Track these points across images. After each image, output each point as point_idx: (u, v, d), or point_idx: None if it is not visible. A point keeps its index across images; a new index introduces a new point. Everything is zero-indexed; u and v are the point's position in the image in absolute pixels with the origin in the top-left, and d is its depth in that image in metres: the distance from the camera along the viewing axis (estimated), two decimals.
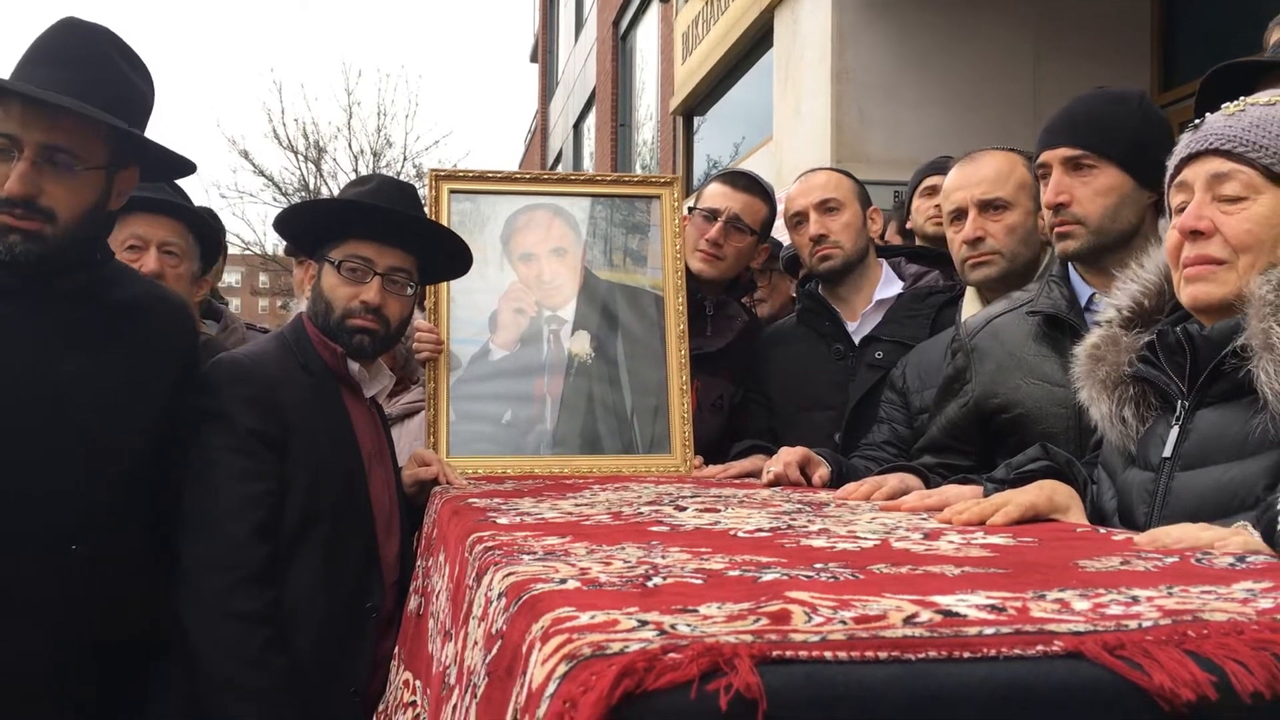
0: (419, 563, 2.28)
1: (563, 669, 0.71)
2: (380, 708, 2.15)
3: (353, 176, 25.48)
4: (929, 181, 3.97)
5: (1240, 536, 1.28)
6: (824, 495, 2.16)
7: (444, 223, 2.86)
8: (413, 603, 2.20)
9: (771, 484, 2.39)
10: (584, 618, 0.82)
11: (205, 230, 2.74)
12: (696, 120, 13.35)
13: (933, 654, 0.73)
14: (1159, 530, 1.37)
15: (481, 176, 3.02)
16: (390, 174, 26.08)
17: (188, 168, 2.19)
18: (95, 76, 1.94)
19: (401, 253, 2.39)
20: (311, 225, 2.48)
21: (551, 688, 0.70)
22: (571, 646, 0.73)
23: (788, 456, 2.45)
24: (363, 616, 2.27)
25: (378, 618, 2.29)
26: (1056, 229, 2.20)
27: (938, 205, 3.86)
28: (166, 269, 2.61)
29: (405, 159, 25.73)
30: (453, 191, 2.95)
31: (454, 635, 1.43)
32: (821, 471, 2.44)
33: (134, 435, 2.05)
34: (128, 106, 1.98)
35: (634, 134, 17.47)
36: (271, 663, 2.05)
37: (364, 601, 2.27)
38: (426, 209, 2.90)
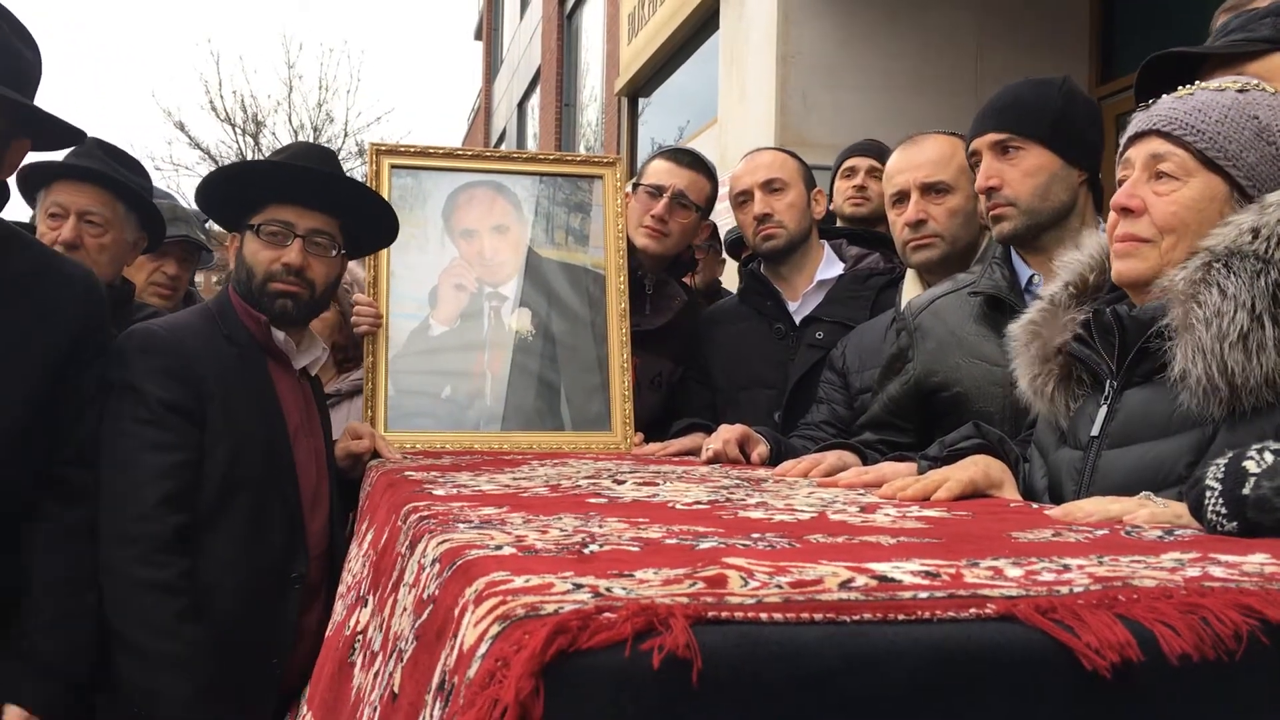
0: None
1: (495, 629, 0.70)
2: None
3: None
4: (850, 163, 4.01)
5: (1147, 509, 1.32)
6: (762, 472, 2.17)
7: (384, 197, 2.82)
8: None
9: (710, 461, 2.40)
10: (519, 581, 0.81)
11: (141, 202, 2.68)
12: (641, 102, 13.31)
13: (867, 616, 0.73)
14: (1072, 504, 1.40)
15: (424, 152, 2.98)
16: (332, 149, 25.60)
17: (79, 137, 2.19)
18: None
19: (323, 215, 2.37)
20: (231, 195, 2.42)
21: (484, 648, 0.69)
22: (505, 608, 0.72)
23: (727, 434, 2.45)
24: (286, 586, 2.25)
25: (302, 588, 2.27)
26: (991, 212, 2.24)
27: (856, 186, 3.91)
28: (86, 238, 2.55)
29: (346, 135, 25.34)
30: (394, 166, 2.91)
31: (370, 601, 1.42)
32: (760, 449, 2.45)
33: (8, 400, 1.99)
34: (18, 77, 1.94)
35: (579, 114, 17.38)
36: (183, 631, 2.03)
37: (288, 572, 2.26)
38: (367, 183, 2.86)
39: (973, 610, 0.76)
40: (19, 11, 2.02)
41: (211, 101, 24.60)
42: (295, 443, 2.34)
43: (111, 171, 2.66)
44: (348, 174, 2.66)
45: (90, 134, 2.39)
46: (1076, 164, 2.20)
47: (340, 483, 2.51)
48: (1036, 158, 2.20)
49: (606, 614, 0.68)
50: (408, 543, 1.25)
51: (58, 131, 2.09)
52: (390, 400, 2.78)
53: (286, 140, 25.01)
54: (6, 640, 1.99)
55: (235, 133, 25.02)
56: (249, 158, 25.01)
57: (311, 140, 24.95)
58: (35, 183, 2.55)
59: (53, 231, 2.54)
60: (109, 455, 2.11)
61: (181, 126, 24.92)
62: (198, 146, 24.88)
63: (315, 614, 2.32)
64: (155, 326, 2.32)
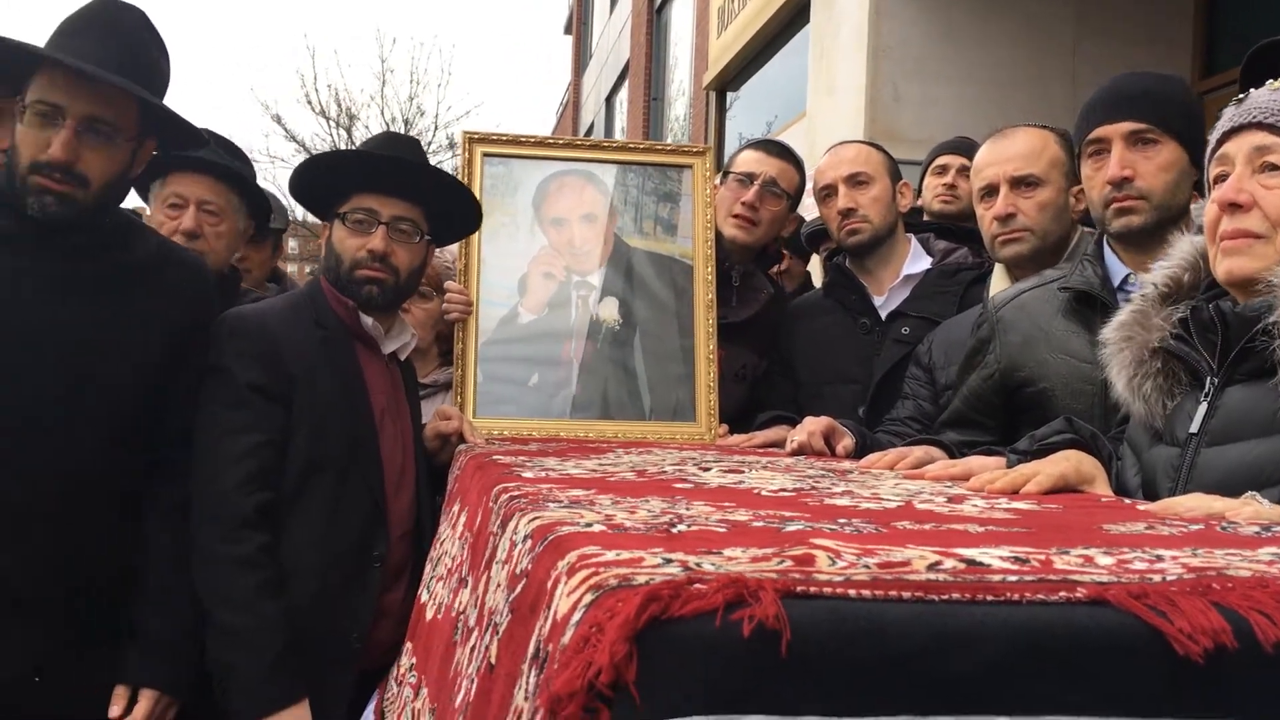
0: (442, 519, 2.31)
1: (589, 598, 0.72)
2: (399, 658, 2.18)
3: None
4: (941, 160, 3.98)
5: (1251, 506, 1.29)
6: (847, 464, 2.17)
7: (475, 185, 2.87)
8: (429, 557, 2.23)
9: (795, 453, 2.39)
10: (610, 555, 0.83)
11: (251, 191, 2.78)
12: (729, 96, 13.28)
13: (955, 596, 0.74)
14: (1172, 500, 1.37)
15: (515, 140, 3.02)
16: (422, 143, 25.95)
17: (200, 140, 2.31)
18: (130, 53, 2.03)
19: (406, 203, 2.41)
20: (320, 185, 2.49)
21: (577, 615, 0.71)
22: (598, 578, 0.74)
23: (812, 426, 2.45)
24: (367, 565, 2.30)
25: (383, 567, 2.32)
26: (1117, 204, 2.15)
27: (946, 184, 3.87)
28: (205, 227, 2.67)
29: (437, 128, 25.70)
30: (486, 155, 2.95)
31: (470, 581, 1.45)
32: (846, 442, 2.44)
33: (125, 384, 2.10)
34: (153, 81, 2.07)
35: (666, 109, 17.40)
36: (261, 605, 2.09)
37: (369, 551, 2.30)
38: (459, 171, 2.91)
39: (1063, 594, 0.76)
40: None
41: (307, 95, 25.15)
42: (381, 425, 2.39)
43: (225, 162, 2.75)
44: (434, 164, 2.71)
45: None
46: (1196, 163, 2.14)
47: (429, 466, 2.56)
48: (1171, 152, 2.13)
49: (698, 585, 0.70)
50: (499, 521, 1.28)
51: (182, 132, 2.20)
52: (479, 387, 2.82)
53: (379, 132, 25.43)
54: (126, 621, 2.09)
55: (329, 125, 25.55)
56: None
57: (403, 132, 25.38)
58: (150, 173, 2.65)
59: (172, 221, 2.65)
60: (199, 435, 2.20)
61: (278, 119, 25.55)
62: (293, 139, 25.46)
63: (398, 593, 2.37)
64: (246, 311, 2.40)
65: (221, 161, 2.74)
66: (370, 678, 2.26)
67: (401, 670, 1.74)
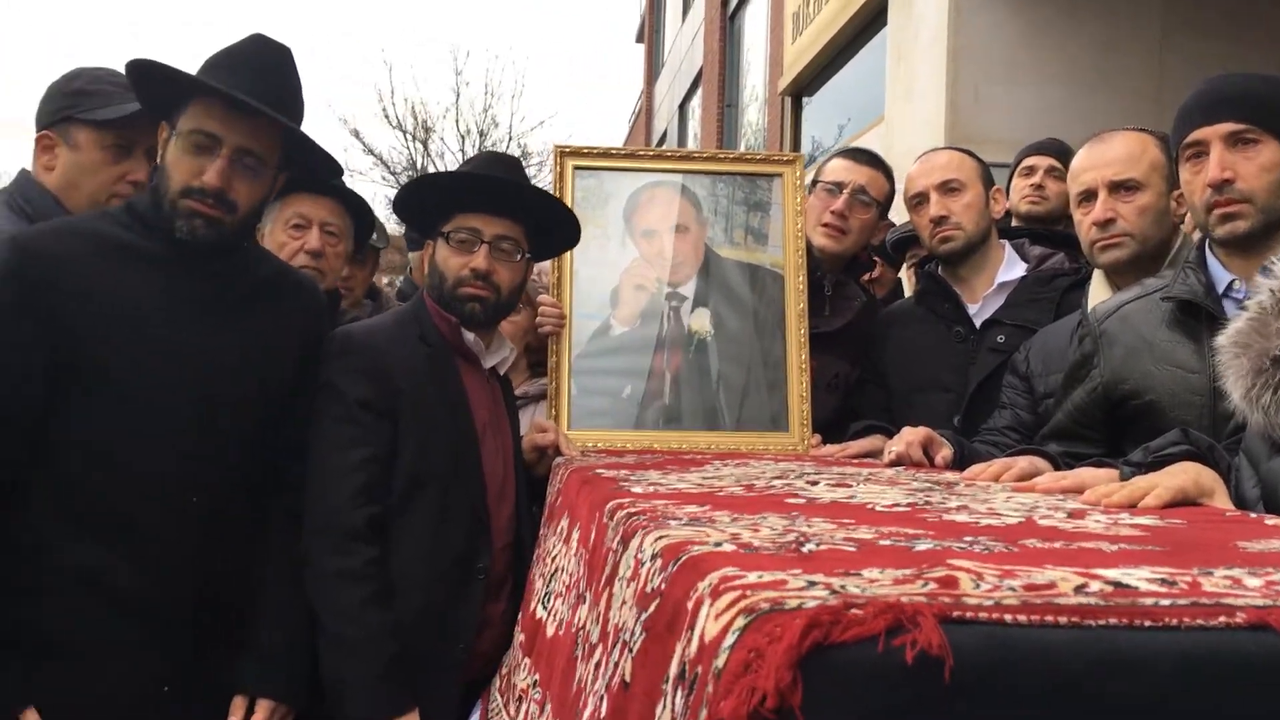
0: (542, 530, 2.33)
1: (741, 621, 0.73)
2: (503, 670, 2.21)
3: (459, 155, 25.86)
4: (1029, 161, 3.94)
5: None
6: (951, 475, 2.15)
7: (567, 198, 2.90)
8: (534, 569, 2.25)
9: (893, 463, 2.38)
10: (751, 576, 0.84)
11: (360, 211, 2.86)
12: (804, 101, 13.22)
13: (1113, 621, 0.73)
14: None
15: (606, 153, 3.05)
16: (516, 157, 26.08)
17: (339, 170, 2.48)
18: (279, 88, 2.13)
19: (508, 221, 2.45)
20: (424, 204, 2.55)
21: (730, 639, 0.72)
22: (748, 601, 0.75)
23: (910, 436, 2.43)
24: (471, 578, 2.33)
25: (486, 579, 2.35)
26: (1219, 209, 2.09)
27: (1034, 185, 3.83)
28: (326, 247, 2.76)
29: (511, 139, 25.97)
30: (577, 168, 2.98)
31: (588, 598, 1.47)
32: (945, 453, 2.42)
33: (252, 401, 2.17)
34: (295, 113, 2.18)
35: (740, 115, 17.37)
36: (370, 617, 2.13)
37: (473, 563, 2.34)
38: (551, 184, 2.95)
39: (1222, 619, 0.75)
40: (228, 31, 2.21)
41: (384, 109, 25.57)
42: (483, 439, 2.43)
43: (341, 184, 2.85)
44: (531, 180, 2.75)
45: None
46: None
47: (527, 478, 2.59)
48: (1273, 152, 2.07)
49: (855, 610, 0.70)
50: (618, 538, 1.29)
51: (321, 162, 2.32)
52: (573, 399, 2.85)
53: (454, 145, 25.80)
54: (243, 631, 2.14)
55: (406, 139, 25.96)
56: (419, 163, 25.93)
57: (477, 144, 25.70)
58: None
59: (295, 241, 2.74)
60: (311, 451, 2.25)
61: (356, 134, 26.01)
62: (371, 152, 25.91)
63: (500, 604, 2.40)
64: (354, 329, 2.47)
65: (339, 185, 2.83)
66: (473, 688, 2.30)
67: (523, 686, 1.76)
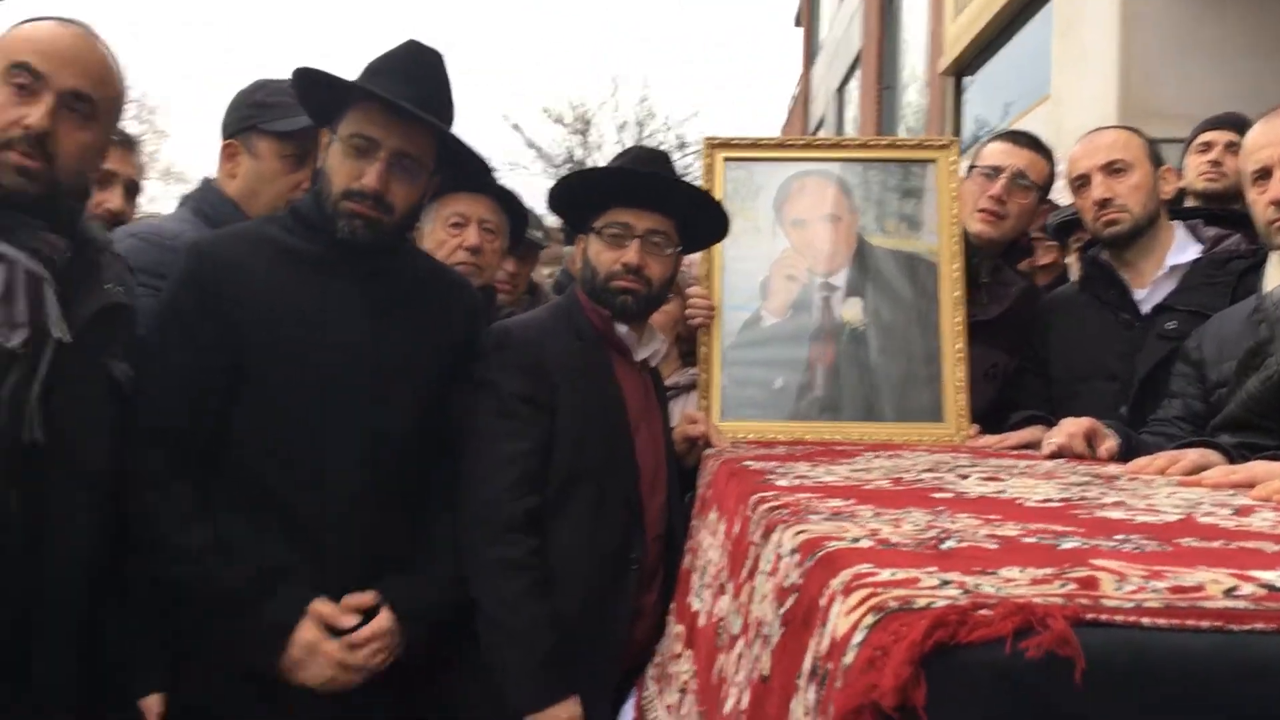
0: (693, 522, 2.35)
1: (870, 619, 0.73)
2: (656, 659, 2.24)
3: (616, 147, 26.13)
4: (1206, 137, 3.76)
5: None
6: (1113, 468, 2.07)
7: (717, 190, 2.91)
8: (686, 560, 2.28)
9: (1053, 455, 2.31)
10: (884, 574, 0.84)
11: (516, 208, 2.95)
12: (966, 80, 12.85)
13: (1259, 626, 0.71)
14: None
15: (755, 144, 3.04)
16: (652, 144, 26.64)
17: (489, 169, 2.53)
18: (433, 93, 2.21)
19: (659, 215, 2.48)
20: (577, 199, 2.59)
21: (858, 636, 0.73)
22: (877, 600, 0.75)
23: (1072, 427, 2.35)
24: (625, 568, 2.36)
25: (640, 570, 2.38)
26: None
27: (1211, 161, 3.63)
28: (484, 244, 2.86)
29: (668, 129, 26.11)
30: (727, 159, 2.99)
31: (730, 589, 1.48)
32: (1109, 444, 2.33)
33: (411, 394, 2.25)
34: (448, 116, 2.25)
35: (899, 97, 17.02)
36: (530, 606, 2.18)
37: (627, 554, 2.37)
38: (700, 177, 2.96)
39: None
40: (394, 35, 2.30)
41: (544, 104, 26.00)
42: (635, 430, 2.47)
43: (497, 182, 2.94)
44: (680, 172, 2.77)
45: None
46: None
47: (678, 469, 2.62)
48: None
49: (983, 610, 0.69)
50: (760, 532, 1.30)
51: (473, 164, 2.39)
52: (723, 390, 2.86)
53: (611, 137, 26.10)
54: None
55: (565, 132, 26.37)
56: (577, 155, 26.32)
57: (635, 135, 25.94)
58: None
59: (454, 238, 2.85)
60: (469, 444, 2.32)
61: (518, 128, 26.56)
62: (531, 146, 26.43)
63: (654, 593, 2.43)
64: (510, 324, 2.53)
65: (496, 182, 2.91)
66: (627, 677, 2.34)
67: (685, 678, 1.78)
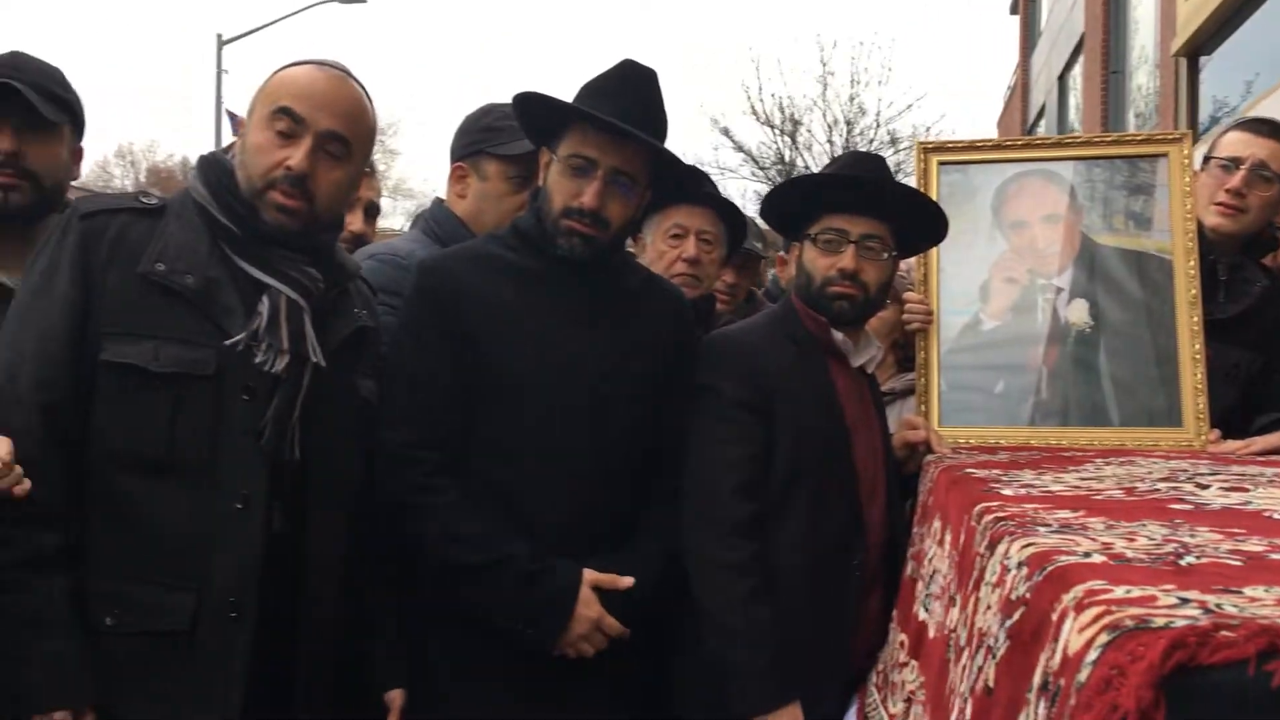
0: (915, 530, 2.33)
1: (1104, 638, 0.73)
2: (879, 666, 2.24)
3: (826, 146, 25.85)
4: None
5: None
6: None
7: (932, 195, 2.87)
8: (909, 567, 2.26)
9: None
10: (1118, 591, 0.83)
11: (734, 218, 2.99)
12: (1201, 60, 12.09)
13: None
14: None
15: (971, 146, 2.98)
16: (863, 142, 26.20)
17: (701, 180, 2.61)
18: (647, 110, 2.28)
19: (874, 220, 2.46)
20: (789, 207, 2.61)
21: (1093, 655, 0.73)
22: (1112, 618, 0.75)
23: None
24: (846, 574, 2.36)
25: (861, 576, 2.38)
26: None
27: None
28: (702, 254, 2.90)
29: (878, 125, 25.63)
30: (941, 163, 2.94)
31: (958, 600, 1.47)
32: None
33: (631, 402, 2.32)
34: (662, 133, 2.32)
35: (1127, 81, 16.16)
36: (754, 609, 2.21)
37: (848, 560, 2.37)
38: (914, 181, 2.92)
39: None
40: (610, 53, 2.39)
41: (752, 106, 26.00)
42: (854, 436, 2.47)
43: (716, 193, 3.00)
44: (893, 169, 2.74)
45: None
46: None
47: (898, 475, 2.60)
48: None
49: (1224, 631, 0.68)
50: (985, 543, 1.29)
51: (685, 177, 2.48)
52: (943, 396, 2.81)
53: (821, 137, 25.89)
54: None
55: (774, 134, 26.28)
56: (786, 157, 26.21)
57: (844, 135, 25.62)
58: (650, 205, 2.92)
59: (673, 250, 2.91)
60: (692, 448, 2.37)
61: (726, 132, 26.60)
62: (740, 149, 26.45)
63: (875, 600, 2.42)
64: (729, 332, 2.59)
65: (714, 194, 2.97)
66: (850, 683, 2.34)
67: (912, 687, 1.78)
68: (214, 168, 2.08)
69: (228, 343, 1.95)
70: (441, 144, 2.86)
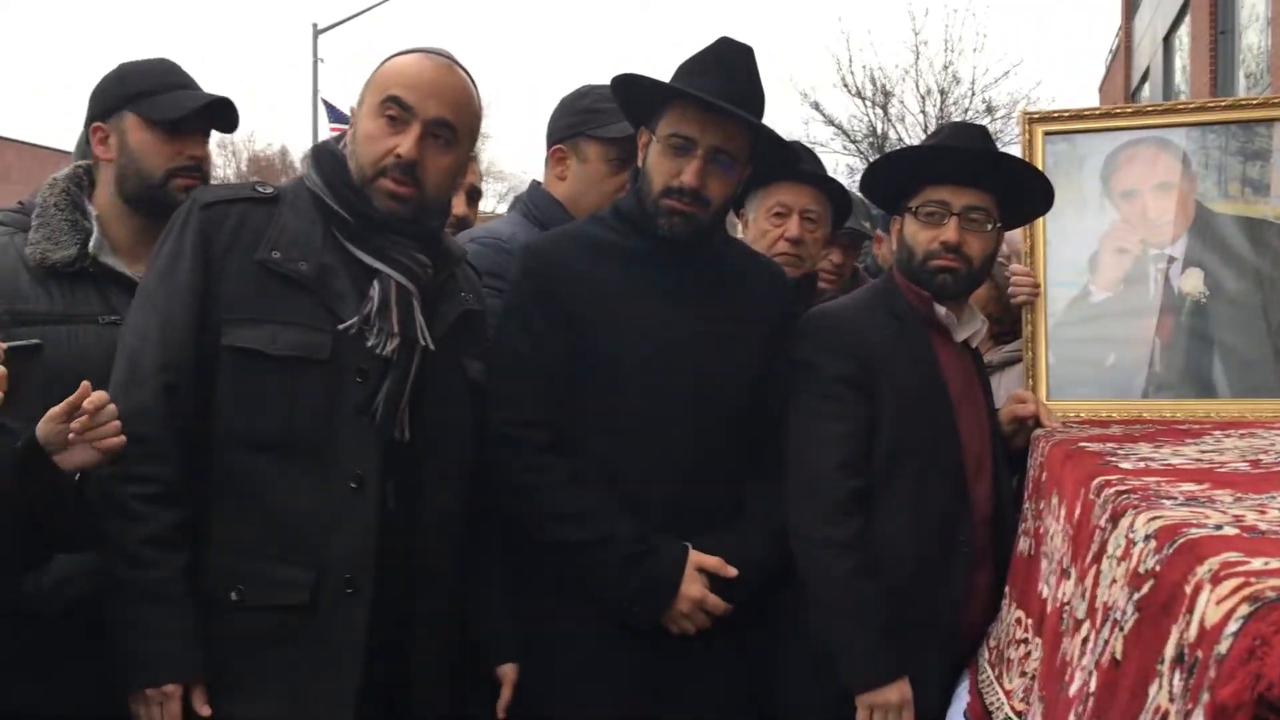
0: (1026, 505, 2.31)
1: (1245, 609, 0.73)
2: (991, 643, 2.22)
3: (920, 117, 25.40)
4: None
5: None
6: None
7: (1037, 165, 2.81)
8: (1022, 544, 2.24)
9: None
10: (1256, 563, 0.82)
11: (838, 196, 2.96)
12: None
13: None
14: None
15: (1078, 115, 2.91)
16: (957, 111, 25.68)
17: (797, 157, 2.56)
18: (745, 88, 2.28)
19: (977, 191, 2.42)
20: (889, 180, 2.58)
21: (1233, 626, 0.72)
22: (1252, 589, 0.75)
23: None
24: (953, 550, 2.34)
25: (968, 552, 2.36)
26: None
27: None
28: (805, 234, 2.87)
29: (973, 94, 25.07)
30: (1047, 134, 2.88)
31: (1073, 573, 1.46)
32: None
33: (734, 379, 2.33)
34: (759, 109, 2.31)
35: (1236, 41, 15.58)
36: (860, 585, 2.21)
37: (954, 536, 2.35)
38: (1019, 152, 2.87)
39: None
40: (704, 32, 2.38)
41: (843, 78, 25.66)
42: (958, 411, 2.44)
43: (820, 170, 2.98)
44: (996, 139, 2.69)
45: None
46: None
47: (1005, 450, 2.57)
48: None
49: None
50: (1106, 516, 1.28)
51: (781, 152, 2.45)
52: (1051, 369, 2.77)
53: (914, 108, 25.45)
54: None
55: (865, 105, 25.92)
56: (879, 129, 25.83)
57: (938, 104, 25.14)
58: (751, 183, 2.90)
59: (776, 229, 2.88)
60: (793, 425, 2.37)
61: (816, 106, 26.29)
62: (831, 123, 26.14)
63: (983, 576, 2.40)
64: (829, 308, 2.57)
65: (819, 172, 2.94)
66: (960, 659, 2.33)
67: (1034, 665, 1.77)
68: (327, 157, 2.14)
69: (341, 327, 2.01)
70: (532, 126, 2.88)
